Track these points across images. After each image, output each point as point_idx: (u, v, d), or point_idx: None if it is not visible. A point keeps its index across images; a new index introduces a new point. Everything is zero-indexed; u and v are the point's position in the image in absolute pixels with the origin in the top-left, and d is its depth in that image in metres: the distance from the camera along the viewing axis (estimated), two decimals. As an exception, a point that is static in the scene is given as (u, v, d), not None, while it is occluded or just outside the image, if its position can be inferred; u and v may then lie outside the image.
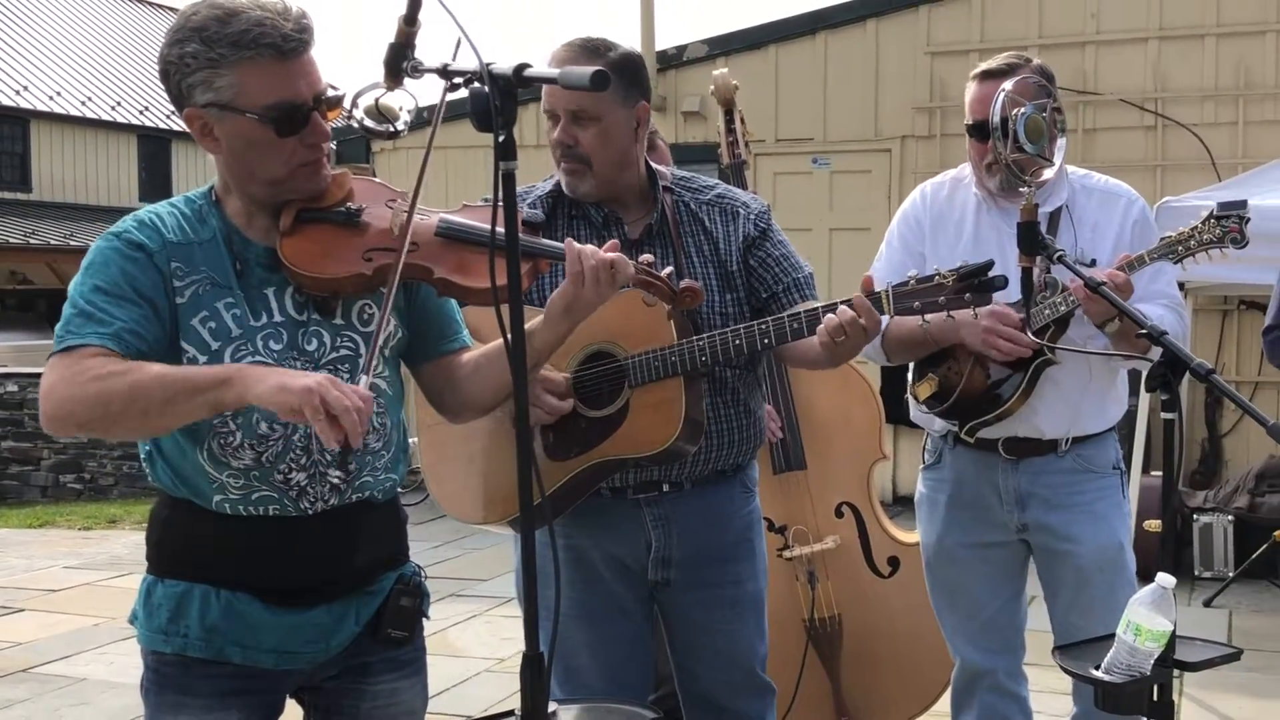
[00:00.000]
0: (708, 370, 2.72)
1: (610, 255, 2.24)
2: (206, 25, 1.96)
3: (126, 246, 2.01)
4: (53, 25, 25.49)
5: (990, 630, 3.25)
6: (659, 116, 9.47)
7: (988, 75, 3.06)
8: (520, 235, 1.85)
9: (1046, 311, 2.98)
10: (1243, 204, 2.94)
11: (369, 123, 2.10)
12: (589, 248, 2.24)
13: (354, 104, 2.10)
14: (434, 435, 2.77)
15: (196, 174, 25.66)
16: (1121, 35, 8.46)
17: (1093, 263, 2.96)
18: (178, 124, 26.19)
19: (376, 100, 2.09)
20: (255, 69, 1.96)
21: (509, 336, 1.78)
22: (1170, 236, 2.93)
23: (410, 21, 1.95)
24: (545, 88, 2.62)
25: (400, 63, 1.97)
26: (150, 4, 29.12)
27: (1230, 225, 2.88)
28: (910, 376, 3.24)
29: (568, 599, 2.74)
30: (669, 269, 2.39)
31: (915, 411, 3.27)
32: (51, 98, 23.18)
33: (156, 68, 2.07)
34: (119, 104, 24.45)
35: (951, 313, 2.43)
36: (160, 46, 2.04)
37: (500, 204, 1.75)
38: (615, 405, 2.66)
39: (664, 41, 9.20)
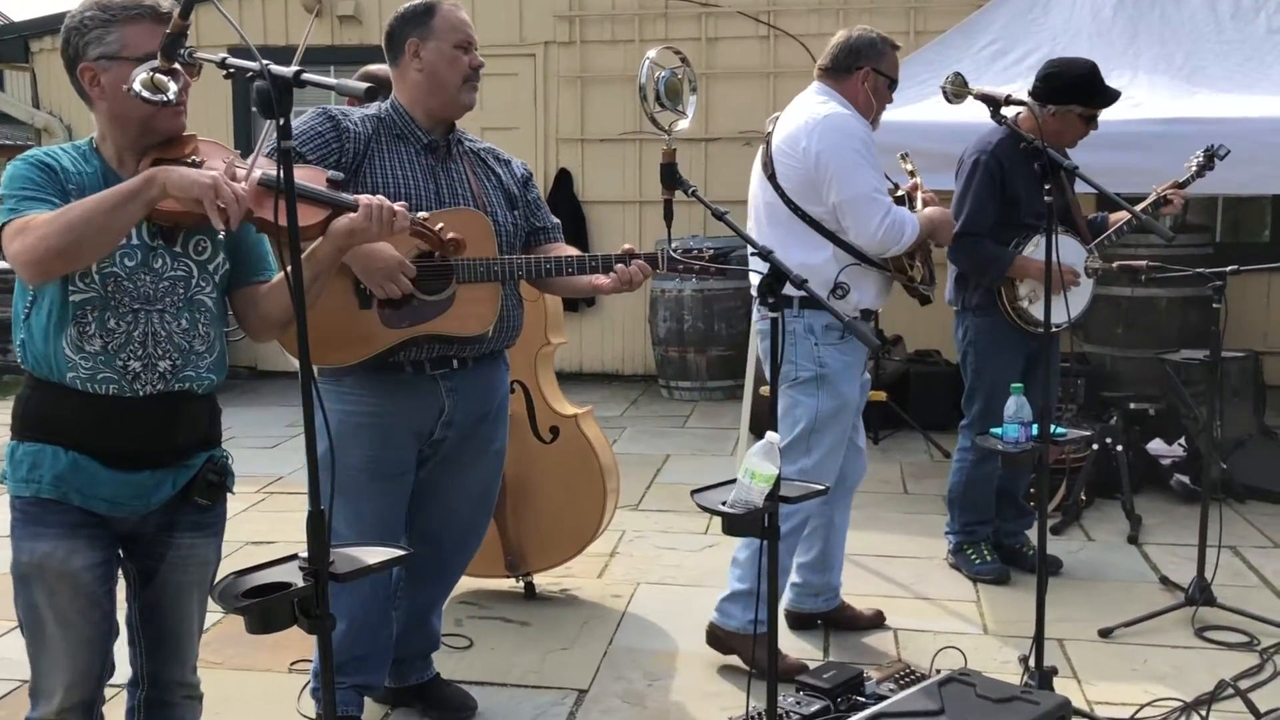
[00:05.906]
0: (516, 281, 3.04)
1: (396, 205, 2.37)
2: None
3: (39, 165, 2.20)
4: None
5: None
6: (317, 21, 8.91)
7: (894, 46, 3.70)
8: (324, 190, 2.29)
9: None
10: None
11: (145, 94, 2.10)
12: (379, 198, 2.35)
13: (132, 77, 2.11)
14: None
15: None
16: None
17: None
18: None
19: (151, 75, 2.10)
20: (137, 28, 2.21)
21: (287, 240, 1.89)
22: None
23: (184, 15, 2.01)
24: (457, 20, 2.94)
25: (175, 49, 2.02)
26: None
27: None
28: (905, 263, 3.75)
29: (367, 457, 2.95)
30: (440, 225, 2.51)
31: (838, 301, 3.56)
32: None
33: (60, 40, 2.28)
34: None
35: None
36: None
37: (283, 155, 1.84)
38: (445, 294, 2.89)
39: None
